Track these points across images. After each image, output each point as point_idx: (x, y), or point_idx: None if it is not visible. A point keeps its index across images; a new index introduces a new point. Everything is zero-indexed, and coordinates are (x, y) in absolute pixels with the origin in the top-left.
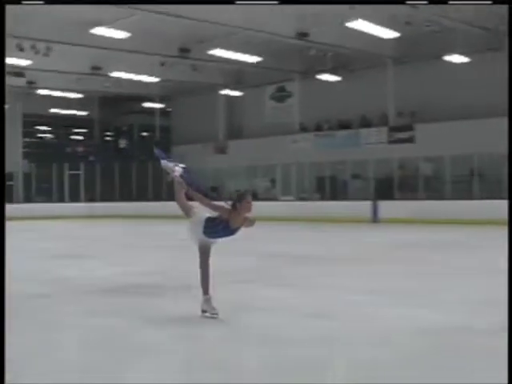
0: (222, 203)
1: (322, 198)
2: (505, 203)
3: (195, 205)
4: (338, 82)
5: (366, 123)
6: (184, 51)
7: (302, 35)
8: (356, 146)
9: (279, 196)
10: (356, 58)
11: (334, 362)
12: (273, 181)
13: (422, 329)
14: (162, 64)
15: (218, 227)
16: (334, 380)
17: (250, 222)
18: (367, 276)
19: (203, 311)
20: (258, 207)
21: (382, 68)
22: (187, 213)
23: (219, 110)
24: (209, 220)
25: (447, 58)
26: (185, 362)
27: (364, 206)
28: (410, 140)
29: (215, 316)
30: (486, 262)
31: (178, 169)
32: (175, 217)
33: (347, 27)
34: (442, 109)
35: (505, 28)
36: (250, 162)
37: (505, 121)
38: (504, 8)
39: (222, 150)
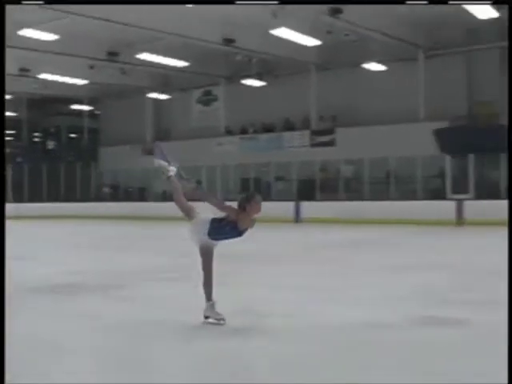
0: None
1: None
2: (417, 203)
3: (196, 205)
4: (262, 86)
5: (289, 127)
6: (112, 55)
7: (228, 41)
8: (279, 148)
9: None
10: (280, 64)
11: (255, 359)
12: (198, 182)
13: (340, 325)
14: (91, 67)
15: (225, 228)
16: (252, 379)
17: (252, 223)
18: (291, 274)
19: (206, 317)
20: None
21: (305, 74)
22: (188, 214)
23: (147, 112)
24: (214, 221)
25: (366, 65)
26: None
27: (287, 207)
28: (331, 143)
29: (222, 322)
30: (405, 260)
31: (172, 168)
32: (102, 217)
33: (272, 34)
34: (361, 114)
35: (418, 40)
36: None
37: (417, 126)
38: (421, 16)
39: (149, 152)
